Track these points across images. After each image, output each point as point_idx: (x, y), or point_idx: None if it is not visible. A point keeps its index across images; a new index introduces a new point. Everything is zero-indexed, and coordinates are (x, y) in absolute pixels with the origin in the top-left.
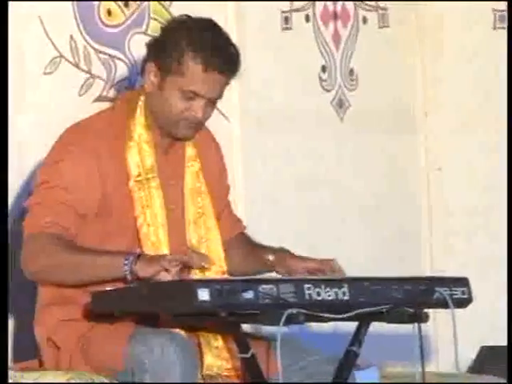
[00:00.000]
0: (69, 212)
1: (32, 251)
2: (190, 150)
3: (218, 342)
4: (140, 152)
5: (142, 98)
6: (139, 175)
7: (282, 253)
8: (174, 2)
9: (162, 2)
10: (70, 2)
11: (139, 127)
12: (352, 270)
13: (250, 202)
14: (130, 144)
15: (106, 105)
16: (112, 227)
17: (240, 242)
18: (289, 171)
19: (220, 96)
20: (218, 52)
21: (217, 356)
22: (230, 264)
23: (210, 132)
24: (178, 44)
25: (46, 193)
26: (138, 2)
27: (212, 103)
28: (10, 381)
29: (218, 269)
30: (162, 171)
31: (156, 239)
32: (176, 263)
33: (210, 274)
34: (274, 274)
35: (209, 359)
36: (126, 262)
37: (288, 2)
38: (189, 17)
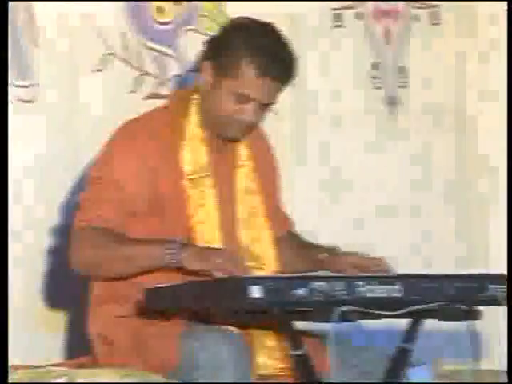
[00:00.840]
0: (118, 208)
1: (80, 245)
2: (242, 150)
3: (271, 341)
4: (194, 150)
5: (196, 96)
6: (193, 173)
7: (332, 251)
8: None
9: None
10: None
11: (193, 126)
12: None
13: (301, 201)
14: (184, 142)
15: (157, 102)
16: (165, 226)
17: (290, 240)
18: (338, 170)
19: (274, 101)
20: (274, 59)
21: (269, 356)
22: (280, 262)
23: (262, 131)
24: (236, 48)
25: (96, 189)
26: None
27: (265, 107)
28: (62, 380)
29: (269, 268)
30: (216, 170)
31: (209, 238)
32: (226, 266)
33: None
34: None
35: (261, 359)
36: (168, 251)
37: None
38: (249, 20)
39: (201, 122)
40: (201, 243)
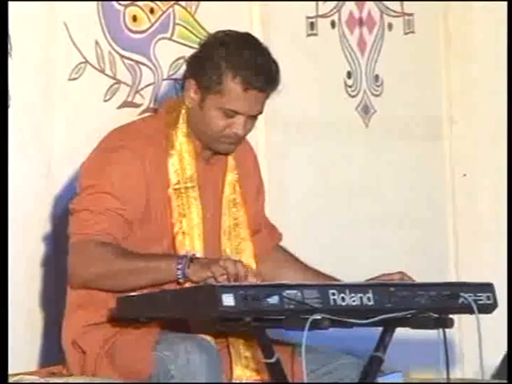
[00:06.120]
0: (118, 220)
1: (83, 259)
2: (230, 160)
3: (249, 352)
4: (181, 161)
5: (184, 107)
6: (178, 183)
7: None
8: (199, 8)
9: (188, 8)
10: (96, 8)
11: (181, 136)
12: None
13: (279, 209)
14: (172, 152)
15: (131, 110)
16: (150, 234)
17: (290, 260)
18: (313, 178)
19: (261, 111)
20: (257, 71)
21: (246, 367)
22: (280, 277)
23: (248, 143)
24: (217, 64)
25: (93, 198)
26: (162, 8)
27: (253, 118)
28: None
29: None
30: (202, 180)
31: (191, 248)
32: (225, 273)
33: None
34: None
35: (238, 370)
36: (179, 266)
37: (314, 8)
38: (227, 33)
39: (189, 132)
40: (183, 253)
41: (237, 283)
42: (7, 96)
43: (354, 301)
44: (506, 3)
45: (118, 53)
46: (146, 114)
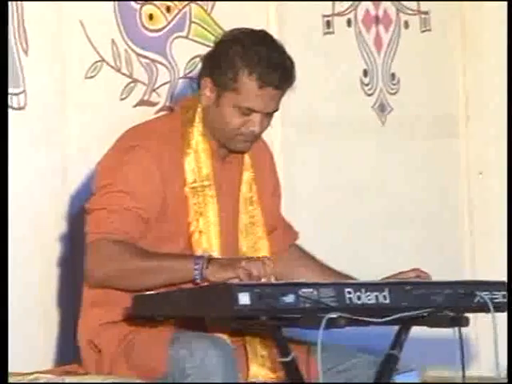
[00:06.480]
0: (135, 219)
1: (100, 258)
2: (247, 159)
3: (265, 350)
4: (197, 159)
5: (200, 105)
6: (194, 182)
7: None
8: (215, 7)
9: (204, 7)
10: (112, 7)
11: (197, 135)
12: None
13: (291, 208)
14: (188, 151)
15: (147, 109)
16: (167, 233)
17: (306, 259)
18: (330, 176)
19: (277, 109)
20: (272, 68)
21: (262, 365)
22: (296, 276)
23: (264, 142)
24: (233, 61)
25: (110, 197)
26: (179, 7)
27: (269, 116)
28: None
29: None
30: (219, 178)
31: (208, 246)
32: (249, 273)
33: None
34: None
35: (254, 368)
36: (196, 266)
37: (330, 7)
38: (242, 31)
39: (205, 131)
40: (198, 252)
41: (253, 282)
42: (7, 96)
43: (369, 299)
44: (506, 3)
45: (134, 51)
46: (162, 113)
